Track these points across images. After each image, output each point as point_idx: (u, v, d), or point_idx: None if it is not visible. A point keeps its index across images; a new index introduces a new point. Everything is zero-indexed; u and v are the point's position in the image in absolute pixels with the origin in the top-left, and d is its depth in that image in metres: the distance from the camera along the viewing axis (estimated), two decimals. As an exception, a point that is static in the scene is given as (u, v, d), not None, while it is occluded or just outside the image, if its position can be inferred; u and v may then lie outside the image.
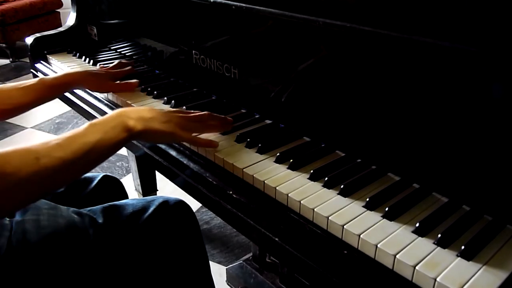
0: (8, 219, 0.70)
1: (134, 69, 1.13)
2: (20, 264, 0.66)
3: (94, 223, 0.75)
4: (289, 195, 0.64)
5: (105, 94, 1.06)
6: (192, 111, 0.81)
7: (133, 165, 1.55)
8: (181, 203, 0.84)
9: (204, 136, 0.79)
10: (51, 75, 0.98)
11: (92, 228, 0.74)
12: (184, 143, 0.80)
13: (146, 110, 0.71)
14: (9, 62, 3.68)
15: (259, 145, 0.76)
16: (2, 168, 0.53)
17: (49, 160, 0.56)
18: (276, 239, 0.62)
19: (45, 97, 0.94)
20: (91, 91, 1.07)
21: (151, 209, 0.80)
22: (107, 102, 1.05)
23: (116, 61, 1.15)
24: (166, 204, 0.82)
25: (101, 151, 0.63)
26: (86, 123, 0.65)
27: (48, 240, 0.70)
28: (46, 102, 0.95)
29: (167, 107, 0.95)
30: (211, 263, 0.91)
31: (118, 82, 1.05)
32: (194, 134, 0.77)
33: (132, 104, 0.97)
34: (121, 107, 1.01)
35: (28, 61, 1.48)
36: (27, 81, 0.92)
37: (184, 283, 0.83)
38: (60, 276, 0.69)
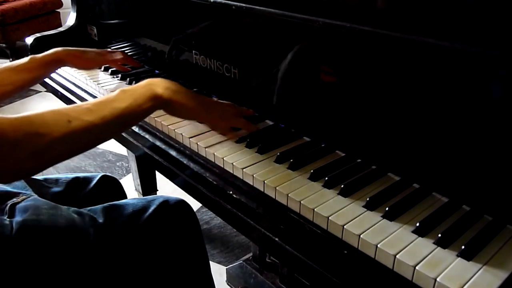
0: (8, 219, 0.70)
1: (127, 57, 1.14)
2: (20, 264, 0.66)
3: (94, 222, 0.75)
4: (289, 195, 0.64)
5: (106, 93, 1.06)
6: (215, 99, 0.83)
7: (133, 165, 1.55)
8: (181, 203, 0.84)
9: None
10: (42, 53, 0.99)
11: (93, 228, 0.74)
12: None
13: (174, 83, 0.73)
14: (9, 62, 3.68)
15: (259, 145, 0.76)
16: (38, 129, 0.55)
17: (79, 123, 0.59)
18: (276, 239, 0.62)
19: (37, 76, 0.94)
20: (78, 68, 1.10)
21: (152, 208, 0.80)
22: (107, 102, 1.05)
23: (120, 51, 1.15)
24: (167, 203, 0.82)
25: (129, 117, 0.66)
26: (117, 90, 0.67)
27: (48, 240, 0.70)
28: (38, 82, 0.97)
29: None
30: (211, 263, 0.91)
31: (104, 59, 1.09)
32: None
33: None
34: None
35: (28, 61, 1.48)
36: (19, 61, 0.92)
37: (184, 283, 0.83)
38: (60, 276, 0.69)
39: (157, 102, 0.69)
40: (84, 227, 0.74)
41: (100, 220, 0.76)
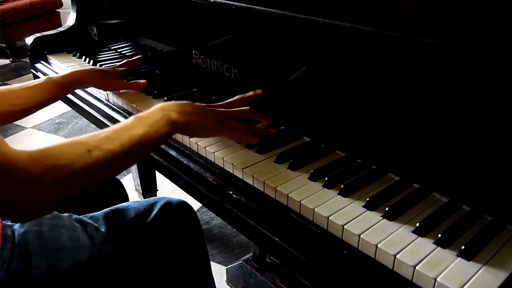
0: (10, 230, 0.70)
1: (139, 60, 1.13)
2: (22, 277, 0.66)
3: (97, 232, 0.75)
4: (289, 195, 0.64)
5: (106, 93, 1.06)
6: (232, 101, 0.81)
7: (133, 165, 1.55)
8: (183, 204, 0.84)
9: None
10: (59, 73, 0.96)
11: (96, 238, 0.74)
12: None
13: (188, 104, 0.73)
14: (9, 62, 3.68)
15: (259, 145, 0.76)
16: (57, 161, 0.54)
17: (100, 152, 0.58)
18: (276, 239, 0.62)
19: (53, 96, 0.93)
20: (99, 89, 1.06)
21: (154, 212, 0.79)
22: (107, 102, 1.05)
23: (124, 61, 1.13)
24: (169, 205, 0.81)
25: (147, 144, 0.65)
26: (132, 117, 0.66)
27: (51, 252, 0.70)
28: (54, 102, 0.94)
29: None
30: (211, 263, 0.91)
31: (126, 81, 1.04)
32: None
33: (132, 104, 0.97)
34: (123, 107, 1.01)
35: (28, 61, 1.48)
36: (35, 80, 0.91)
37: (185, 284, 0.83)
38: (63, 286, 0.69)
39: (173, 127, 0.68)
40: (87, 237, 0.73)
41: (103, 229, 0.75)
